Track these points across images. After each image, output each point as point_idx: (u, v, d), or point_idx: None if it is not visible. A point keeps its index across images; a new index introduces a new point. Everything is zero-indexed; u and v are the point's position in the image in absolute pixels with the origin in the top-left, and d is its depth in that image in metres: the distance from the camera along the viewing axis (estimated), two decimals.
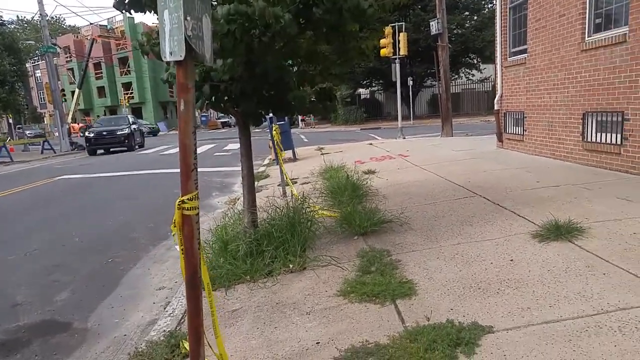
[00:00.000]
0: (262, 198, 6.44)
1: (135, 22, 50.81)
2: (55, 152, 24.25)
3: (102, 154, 22.34)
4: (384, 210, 5.19)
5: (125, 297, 4.19)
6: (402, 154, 10.92)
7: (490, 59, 26.19)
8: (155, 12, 3.73)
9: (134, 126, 24.16)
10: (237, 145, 18.01)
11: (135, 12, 3.54)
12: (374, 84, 35.78)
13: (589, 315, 2.61)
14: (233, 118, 5.01)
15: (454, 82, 32.01)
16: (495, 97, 10.07)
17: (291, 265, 3.94)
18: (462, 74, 33.13)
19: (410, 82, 27.12)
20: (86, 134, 23.75)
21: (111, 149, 22.65)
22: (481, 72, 32.20)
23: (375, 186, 6.74)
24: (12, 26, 37.31)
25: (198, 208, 2.21)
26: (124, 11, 3.52)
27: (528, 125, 8.79)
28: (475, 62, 32.49)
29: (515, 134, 9.37)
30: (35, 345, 3.42)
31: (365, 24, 3.80)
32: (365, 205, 5.43)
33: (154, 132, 42.87)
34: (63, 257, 5.48)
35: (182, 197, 2.15)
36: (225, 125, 47.37)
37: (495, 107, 10.02)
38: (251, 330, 3.00)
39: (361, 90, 36.62)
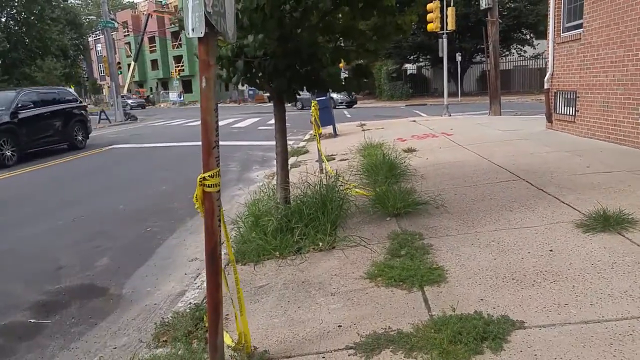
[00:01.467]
0: (298, 174, 6.43)
1: None
2: (110, 122, 25.35)
3: None
4: (421, 191, 5.05)
5: (159, 267, 4.34)
6: (446, 132, 10.55)
7: (545, 35, 24.47)
8: None
9: (29, 112, 12.11)
10: None
11: None
12: (421, 59, 34.66)
13: (635, 318, 2.41)
14: None
15: (504, 58, 30.36)
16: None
17: (320, 244, 3.92)
18: (513, 50, 31.37)
19: (459, 58, 26.05)
20: None
21: None
22: (534, 48, 30.32)
23: (414, 165, 6.56)
24: (75, 1, 38.90)
25: (219, 185, 2.20)
26: None
27: (580, 105, 8.20)
28: (528, 37, 30.61)
29: (566, 114, 8.78)
30: (73, 307, 3.61)
31: None
32: (401, 185, 5.30)
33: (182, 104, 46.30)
34: (106, 224, 5.75)
35: (203, 173, 2.15)
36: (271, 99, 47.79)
37: (545, 86, 9.41)
38: (275, 308, 3.02)
39: (408, 65, 35.55)
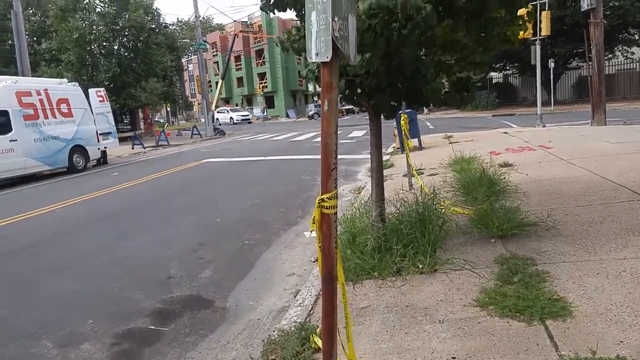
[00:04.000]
0: (387, 190, 6.31)
1: (271, 16, 53.84)
2: (201, 137, 27.12)
3: None
4: (526, 210, 4.69)
5: (258, 280, 4.44)
6: (544, 145, 9.81)
7: None
8: (295, 10, 3.82)
9: None
10: (361, 133, 18.10)
11: (278, 11, 3.66)
12: (508, 67, 32.91)
13: None
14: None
15: (606, 62, 27.72)
16: None
17: (420, 266, 3.77)
18: (618, 53, 28.54)
19: (552, 65, 24.26)
20: None
21: None
22: None
23: (513, 182, 6.14)
24: (173, 27, 42.49)
25: (337, 207, 2.18)
26: (268, 12, 3.66)
27: None
28: (637, 37, 27.66)
29: None
30: (185, 317, 3.79)
31: (513, 9, 3.39)
32: (503, 204, 4.97)
33: (248, 120, 46.72)
34: (207, 236, 6.04)
35: (321, 195, 2.14)
36: (349, 112, 47.97)
37: None
38: (380, 333, 2.93)
39: (493, 74, 33.95)
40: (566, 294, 3.02)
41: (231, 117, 47.09)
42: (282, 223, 6.33)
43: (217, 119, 48.46)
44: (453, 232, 4.45)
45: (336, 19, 1.83)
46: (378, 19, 2.78)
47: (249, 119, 47.14)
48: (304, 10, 2.63)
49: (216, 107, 41.06)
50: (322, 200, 2.13)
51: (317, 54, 1.94)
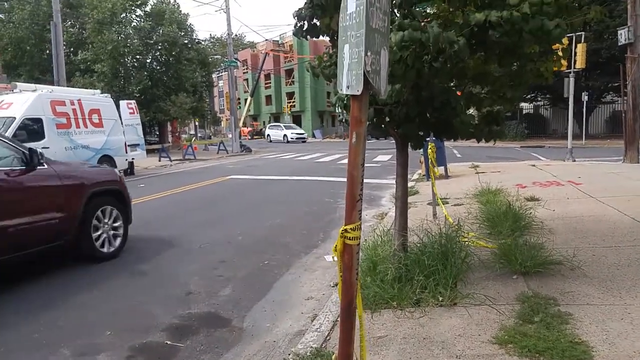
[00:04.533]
0: (411, 218, 6.28)
1: None
2: (227, 153, 27.60)
3: None
4: (551, 248, 4.60)
5: (276, 302, 4.45)
6: (573, 180, 9.61)
7: None
8: (328, 36, 3.94)
9: None
10: (387, 157, 17.92)
11: (310, 37, 3.78)
12: (539, 98, 32.50)
13: None
14: None
15: None
16: None
17: (440, 298, 3.73)
18: None
19: (585, 98, 23.87)
20: None
21: None
22: None
23: (539, 217, 6.03)
24: (205, 43, 43.65)
25: (359, 238, 2.21)
26: (301, 37, 3.79)
27: None
28: None
29: None
30: (201, 334, 3.81)
31: (548, 46, 3.41)
32: (527, 239, 4.89)
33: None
34: (228, 253, 6.11)
35: (345, 225, 2.18)
36: (373, 136, 47.77)
37: None
38: None
39: (524, 104, 33.53)
40: (588, 338, 2.94)
41: (285, 135, 42.46)
42: (303, 245, 6.37)
43: (269, 134, 44.63)
44: (475, 265, 4.39)
45: (369, 53, 1.90)
46: (409, 51, 2.85)
47: (304, 138, 42.07)
48: (336, 37, 2.73)
49: (243, 124, 41.68)
50: (345, 230, 2.17)
51: (348, 87, 2.02)
